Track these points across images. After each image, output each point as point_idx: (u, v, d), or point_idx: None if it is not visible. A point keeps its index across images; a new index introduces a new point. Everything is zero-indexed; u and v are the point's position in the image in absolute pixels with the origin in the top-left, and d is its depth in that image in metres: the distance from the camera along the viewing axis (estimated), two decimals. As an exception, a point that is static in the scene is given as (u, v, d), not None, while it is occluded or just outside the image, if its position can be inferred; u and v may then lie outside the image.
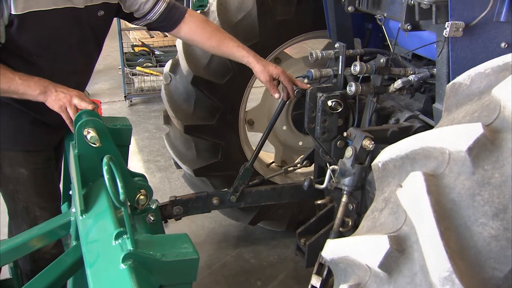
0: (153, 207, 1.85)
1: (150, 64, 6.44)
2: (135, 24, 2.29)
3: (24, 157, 2.06)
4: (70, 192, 2.05)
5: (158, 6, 2.19)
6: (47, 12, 1.84)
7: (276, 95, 2.29)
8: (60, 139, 2.21)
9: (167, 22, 2.24)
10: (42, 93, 1.81)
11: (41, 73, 1.87)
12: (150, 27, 2.28)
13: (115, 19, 2.30)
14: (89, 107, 1.79)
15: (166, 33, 2.44)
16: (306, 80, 2.31)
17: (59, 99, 1.81)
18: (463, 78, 1.16)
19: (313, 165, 2.66)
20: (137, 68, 6.21)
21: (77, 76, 2.07)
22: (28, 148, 2.08)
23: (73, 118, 1.81)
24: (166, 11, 2.21)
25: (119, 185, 1.32)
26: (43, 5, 1.83)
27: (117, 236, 1.36)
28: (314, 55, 2.26)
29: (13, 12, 1.77)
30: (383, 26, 2.27)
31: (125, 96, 6.07)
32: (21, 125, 2.03)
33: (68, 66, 2.02)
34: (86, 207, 1.61)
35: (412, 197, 0.98)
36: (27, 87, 1.81)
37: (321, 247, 1.23)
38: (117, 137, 1.81)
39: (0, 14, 1.76)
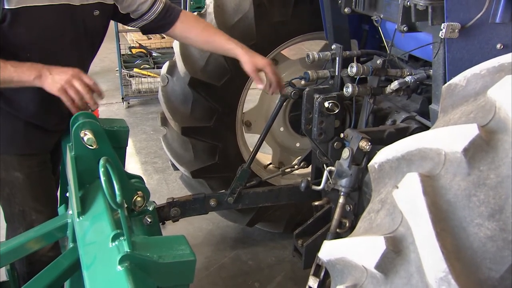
0: (150, 209, 1.85)
1: (147, 66, 6.44)
2: (131, 26, 2.28)
3: (19, 161, 2.04)
4: (67, 194, 2.05)
5: (156, 6, 2.20)
6: (42, 8, 1.82)
7: (260, 86, 2.29)
8: (55, 142, 2.19)
9: (164, 21, 2.25)
10: (38, 78, 1.78)
11: None
12: (146, 28, 2.28)
13: (112, 22, 2.29)
14: (91, 83, 1.81)
15: (162, 34, 2.44)
16: (303, 82, 2.31)
17: (56, 82, 1.78)
18: (459, 79, 1.16)
19: (310, 166, 2.66)
20: (135, 70, 6.21)
21: None
22: (23, 151, 2.05)
23: (76, 100, 1.81)
24: (163, 11, 2.22)
25: (116, 187, 1.32)
26: (38, 1, 1.81)
27: (114, 238, 1.36)
28: (311, 57, 2.26)
29: (6, 6, 1.74)
30: (379, 28, 2.27)
31: (122, 98, 6.07)
32: (15, 128, 2.01)
33: (60, 64, 1.96)
34: (83, 209, 1.61)
35: (408, 198, 0.98)
36: (21, 73, 1.77)
37: (318, 249, 1.23)
38: (114, 139, 1.81)
39: None
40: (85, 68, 2.18)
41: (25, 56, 1.88)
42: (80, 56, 2.09)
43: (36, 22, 1.84)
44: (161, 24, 2.25)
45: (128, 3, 2.14)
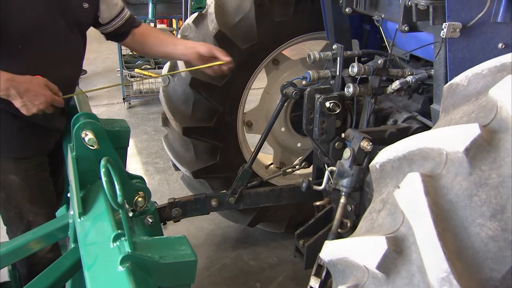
0: (151, 209, 1.85)
1: (148, 66, 6.45)
2: (99, 30, 2.30)
3: (15, 164, 2.04)
4: (69, 195, 2.05)
5: (124, 12, 2.26)
6: None
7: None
8: (53, 144, 2.18)
9: (129, 28, 2.30)
10: (5, 96, 1.78)
11: (27, 64, 1.85)
12: (111, 34, 2.31)
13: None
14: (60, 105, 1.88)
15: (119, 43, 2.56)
16: (304, 82, 2.31)
17: (28, 109, 1.81)
18: (460, 79, 1.16)
19: (312, 166, 2.66)
20: (136, 70, 6.22)
21: (63, 70, 2.04)
22: (18, 155, 2.04)
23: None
24: (130, 19, 2.29)
25: (117, 187, 1.32)
26: None
27: (115, 238, 1.36)
28: (312, 57, 2.26)
29: None
30: (380, 27, 2.27)
31: (123, 98, 6.08)
32: (10, 132, 2.00)
33: (54, 57, 1.99)
34: (84, 209, 1.61)
35: (409, 198, 0.98)
36: None
37: (319, 249, 1.23)
38: (115, 139, 1.81)
39: None
40: (78, 62, 2.19)
41: (18, 50, 1.88)
42: (72, 48, 2.10)
43: (26, 12, 1.84)
44: (124, 31, 2.30)
45: None
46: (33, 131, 2.05)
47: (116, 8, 2.23)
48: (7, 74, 1.75)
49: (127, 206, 1.73)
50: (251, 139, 3.23)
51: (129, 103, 6.14)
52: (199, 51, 2.28)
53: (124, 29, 2.29)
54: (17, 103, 1.79)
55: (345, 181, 1.96)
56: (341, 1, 2.28)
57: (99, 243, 1.46)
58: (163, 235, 2.03)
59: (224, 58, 2.30)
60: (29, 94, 1.78)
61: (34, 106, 1.80)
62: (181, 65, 2.74)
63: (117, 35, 2.32)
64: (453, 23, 1.62)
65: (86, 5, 2.05)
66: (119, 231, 1.37)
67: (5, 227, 2.20)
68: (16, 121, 1.99)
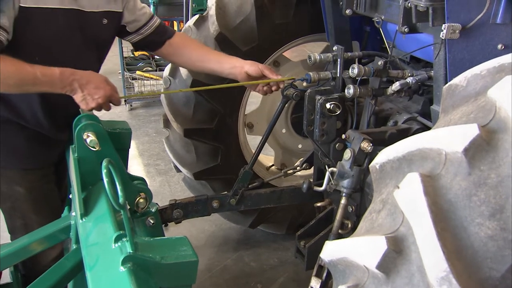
0: (152, 211, 1.85)
1: (150, 68, 6.46)
2: (127, 40, 2.29)
3: (21, 175, 2.03)
4: (71, 196, 2.06)
5: (152, 21, 2.24)
6: (53, 11, 1.83)
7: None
8: (59, 155, 2.16)
9: (160, 37, 2.27)
10: (69, 91, 1.79)
11: None
12: (141, 44, 2.29)
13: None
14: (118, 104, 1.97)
15: (152, 53, 2.51)
16: (305, 83, 2.31)
17: (88, 103, 1.82)
18: (460, 79, 1.17)
19: (312, 167, 2.66)
20: (137, 72, 6.23)
21: None
22: (25, 166, 2.04)
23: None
24: (159, 28, 2.26)
25: (118, 188, 1.32)
26: (50, 3, 1.81)
27: (117, 239, 1.37)
28: (312, 58, 2.27)
29: (22, 4, 1.74)
30: (381, 29, 2.27)
31: (125, 101, 6.09)
32: (17, 143, 1.99)
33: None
34: (86, 210, 1.62)
35: (409, 198, 0.98)
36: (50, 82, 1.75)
37: (320, 250, 1.23)
38: (116, 141, 1.82)
39: (12, 4, 1.71)
40: None
41: (34, 60, 1.87)
42: (88, 64, 2.06)
43: (46, 25, 1.84)
44: (155, 38, 2.27)
45: (131, 7, 2.15)
46: (40, 142, 2.04)
47: (144, 17, 2.20)
48: (69, 69, 1.78)
49: (128, 207, 1.74)
50: (252, 140, 3.24)
51: (131, 105, 6.15)
52: (247, 71, 2.23)
53: (153, 38, 2.26)
54: (78, 97, 1.80)
55: (345, 182, 1.96)
56: (341, 3, 2.29)
57: (100, 244, 1.46)
58: (164, 236, 2.04)
59: (274, 77, 2.25)
60: (89, 87, 1.81)
61: (94, 100, 1.81)
62: (182, 69, 2.75)
63: (147, 44, 2.29)
64: (453, 24, 1.62)
65: (105, 21, 2.03)
66: (121, 232, 1.38)
67: (10, 235, 2.20)
68: (23, 132, 1.99)
